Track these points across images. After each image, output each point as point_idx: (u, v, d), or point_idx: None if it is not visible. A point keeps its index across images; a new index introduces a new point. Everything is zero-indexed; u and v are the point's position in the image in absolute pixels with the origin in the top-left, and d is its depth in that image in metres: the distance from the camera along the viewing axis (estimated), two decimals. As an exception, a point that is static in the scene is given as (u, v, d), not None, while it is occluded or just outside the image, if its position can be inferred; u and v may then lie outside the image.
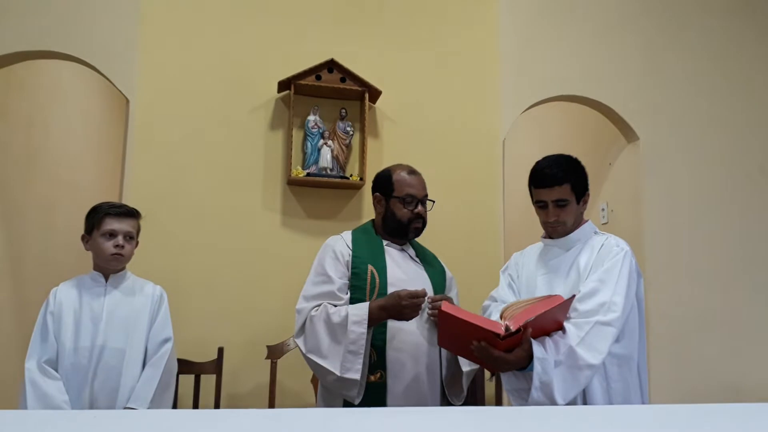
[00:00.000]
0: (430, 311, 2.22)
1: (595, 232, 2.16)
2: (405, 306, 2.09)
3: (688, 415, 1.25)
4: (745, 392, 3.38)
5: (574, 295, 1.91)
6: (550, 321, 1.87)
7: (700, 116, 3.62)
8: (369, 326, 2.12)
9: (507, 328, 1.81)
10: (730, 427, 1.13)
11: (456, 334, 1.95)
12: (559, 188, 2.07)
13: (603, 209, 3.81)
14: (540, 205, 2.13)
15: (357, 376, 2.07)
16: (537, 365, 1.81)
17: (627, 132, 3.60)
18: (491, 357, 1.85)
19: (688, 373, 3.36)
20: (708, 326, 3.46)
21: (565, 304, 1.87)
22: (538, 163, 2.14)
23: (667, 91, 3.60)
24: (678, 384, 3.26)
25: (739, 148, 3.64)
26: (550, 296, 1.93)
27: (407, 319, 2.14)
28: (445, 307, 1.93)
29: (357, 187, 3.10)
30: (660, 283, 3.39)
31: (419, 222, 2.35)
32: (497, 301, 2.25)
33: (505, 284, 2.29)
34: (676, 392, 3.28)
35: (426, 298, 2.14)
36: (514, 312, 1.90)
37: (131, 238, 2.30)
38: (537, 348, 1.83)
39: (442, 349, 2.28)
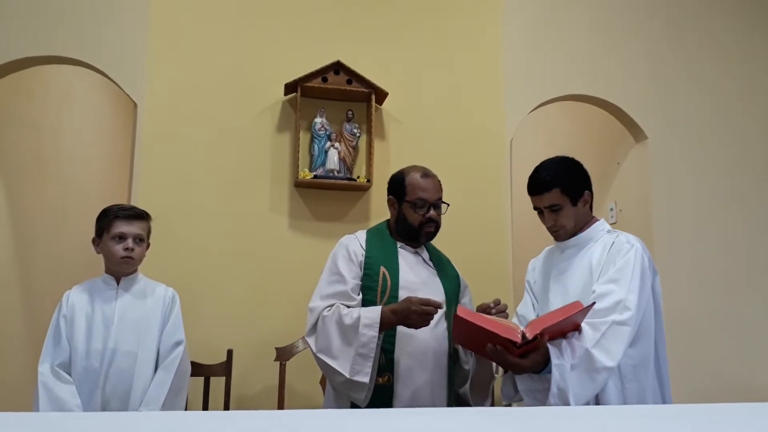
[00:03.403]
0: None
1: (607, 231, 2.15)
2: (413, 312, 2.05)
3: (697, 415, 1.24)
4: (752, 393, 3.36)
5: (594, 303, 1.89)
6: (568, 325, 1.87)
7: (709, 115, 3.60)
8: (380, 330, 2.10)
9: (524, 336, 1.80)
10: (737, 428, 1.12)
11: (471, 336, 1.93)
12: (549, 194, 2.08)
13: (612, 209, 3.79)
14: (537, 211, 2.16)
15: (366, 379, 2.06)
16: (555, 372, 1.80)
17: (635, 131, 3.59)
18: (507, 362, 1.85)
19: (696, 373, 3.34)
20: (716, 326, 3.44)
21: (585, 311, 1.85)
22: (533, 169, 2.15)
23: (676, 90, 3.59)
24: (685, 384, 3.24)
25: (747, 147, 3.62)
26: (571, 304, 1.91)
27: (414, 327, 2.09)
28: (460, 312, 1.88)
29: (364, 188, 3.11)
30: (668, 282, 3.35)
31: (431, 226, 2.32)
32: (519, 318, 2.25)
33: (527, 296, 2.29)
34: (684, 392, 3.26)
35: (440, 310, 2.09)
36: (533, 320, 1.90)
37: (141, 240, 2.30)
38: (554, 354, 1.82)
39: (457, 357, 2.26)
